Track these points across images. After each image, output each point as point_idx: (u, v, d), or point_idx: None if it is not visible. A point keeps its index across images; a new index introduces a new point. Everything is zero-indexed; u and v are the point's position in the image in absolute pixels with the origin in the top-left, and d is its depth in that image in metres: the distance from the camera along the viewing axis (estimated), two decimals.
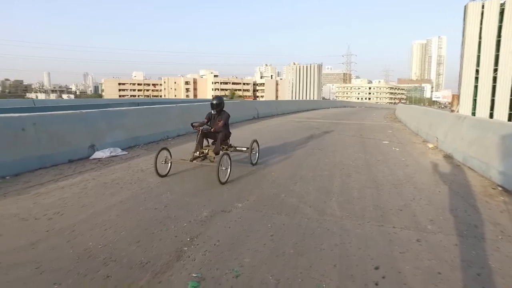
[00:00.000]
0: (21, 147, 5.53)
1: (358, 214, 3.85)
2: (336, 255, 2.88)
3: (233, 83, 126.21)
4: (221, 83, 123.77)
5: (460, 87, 51.57)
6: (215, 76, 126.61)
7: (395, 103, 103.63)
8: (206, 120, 5.88)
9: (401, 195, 4.60)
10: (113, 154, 6.86)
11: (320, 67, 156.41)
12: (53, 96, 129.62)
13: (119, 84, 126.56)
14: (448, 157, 7.23)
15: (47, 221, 3.46)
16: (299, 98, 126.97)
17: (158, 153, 5.12)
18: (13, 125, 5.57)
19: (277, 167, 6.12)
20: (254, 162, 6.14)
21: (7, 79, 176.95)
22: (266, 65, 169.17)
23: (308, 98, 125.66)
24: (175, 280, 2.44)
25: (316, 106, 32.45)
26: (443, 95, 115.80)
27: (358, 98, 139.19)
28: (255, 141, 6.29)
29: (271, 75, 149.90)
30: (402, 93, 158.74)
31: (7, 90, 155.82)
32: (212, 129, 5.57)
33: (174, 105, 12.83)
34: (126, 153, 7.18)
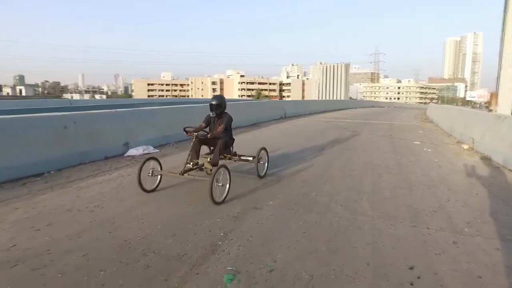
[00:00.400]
0: (63, 144, 5.86)
1: (390, 214, 3.80)
2: (369, 254, 2.87)
3: (259, 83, 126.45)
4: (247, 83, 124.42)
5: (499, 85, 49.02)
6: (241, 76, 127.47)
7: (425, 103, 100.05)
8: (203, 124, 5.02)
9: (435, 196, 4.49)
10: (145, 151, 7.12)
11: (347, 66, 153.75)
12: (86, 96, 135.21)
13: (148, 84, 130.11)
14: (485, 159, 6.94)
15: (90, 213, 3.67)
16: (325, 98, 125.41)
17: (143, 164, 4.29)
18: (57, 123, 5.91)
19: (306, 167, 6.13)
20: (261, 174, 5.19)
21: (46, 81, 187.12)
22: (293, 65, 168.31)
23: (335, 98, 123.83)
24: (211, 272, 2.52)
25: (343, 106, 31.98)
26: (478, 95, 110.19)
27: (386, 98, 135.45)
28: (263, 149, 5.35)
29: (298, 75, 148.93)
30: (433, 93, 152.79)
31: (46, 91, 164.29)
32: (209, 135, 4.74)
33: (202, 104, 13.11)
34: (158, 151, 7.43)
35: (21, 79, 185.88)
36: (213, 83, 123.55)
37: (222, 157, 5.01)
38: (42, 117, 5.96)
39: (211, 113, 4.99)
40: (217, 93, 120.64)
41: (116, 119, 7.39)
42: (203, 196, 4.30)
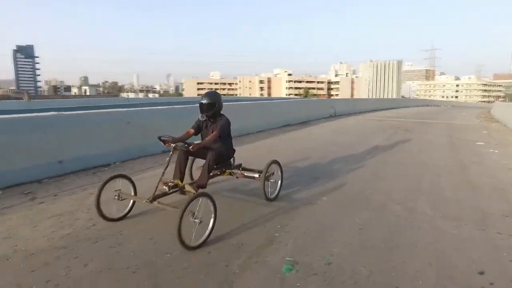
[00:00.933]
0: (126, 138, 6.31)
1: (453, 215, 3.61)
2: (431, 253, 2.76)
3: (307, 82, 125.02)
4: (294, 81, 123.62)
5: None
6: (289, 74, 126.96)
7: (489, 101, 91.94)
8: (192, 131, 3.84)
9: (505, 200, 4.16)
10: None
11: (399, 63, 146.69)
12: (141, 95, 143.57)
13: (198, 83, 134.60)
14: None
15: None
16: (376, 97, 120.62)
17: (105, 183, 3.23)
18: (120, 118, 6.39)
19: (359, 165, 6.00)
20: (271, 196, 3.95)
21: (106, 81, 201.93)
22: (341, 62, 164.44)
23: (386, 97, 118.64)
24: (270, 261, 2.60)
25: (395, 105, 30.51)
26: None
27: (443, 97, 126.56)
28: (275, 162, 4.08)
29: (346, 73, 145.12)
30: (499, 90, 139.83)
31: (106, 91, 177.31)
32: (191, 147, 3.35)
33: (253, 102, 13.34)
34: None
35: (85, 80, 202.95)
36: (261, 81, 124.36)
37: (219, 173, 3.93)
38: (108, 113, 6.48)
39: (200, 116, 3.84)
40: (265, 91, 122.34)
41: (172, 115, 7.79)
42: (258, 191, 4.39)
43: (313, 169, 5.58)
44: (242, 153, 7.05)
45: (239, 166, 4.14)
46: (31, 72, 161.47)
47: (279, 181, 4.14)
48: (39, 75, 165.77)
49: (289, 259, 2.62)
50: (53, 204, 3.78)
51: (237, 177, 4.06)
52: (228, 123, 3.83)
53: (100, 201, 3.17)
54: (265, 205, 3.81)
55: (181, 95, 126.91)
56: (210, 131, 3.77)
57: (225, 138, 3.86)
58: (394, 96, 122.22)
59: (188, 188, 3.46)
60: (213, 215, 3.00)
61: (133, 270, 2.44)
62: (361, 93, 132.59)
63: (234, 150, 4.09)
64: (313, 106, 16.75)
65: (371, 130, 11.71)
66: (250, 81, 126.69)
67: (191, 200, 2.78)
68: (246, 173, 4.03)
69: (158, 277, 2.36)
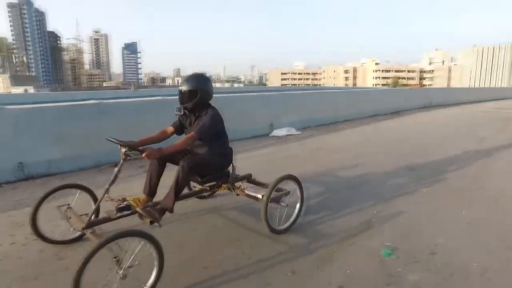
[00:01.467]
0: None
1: None
2: None
3: (396, 71, 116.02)
4: (382, 71, 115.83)
5: None
6: (376, 63, 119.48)
7: None
8: (170, 130, 2.84)
9: None
10: (289, 133, 7.55)
11: None
12: (227, 85, 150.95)
13: (281, 74, 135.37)
14: None
15: None
16: (480, 86, 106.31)
17: (47, 195, 2.42)
18: (216, 104, 6.84)
19: (462, 158, 5.46)
20: (280, 226, 2.76)
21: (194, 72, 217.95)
22: (437, 49, 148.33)
23: (493, 86, 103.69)
24: (367, 245, 2.56)
25: (505, 95, 26.55)
26: None
27: None
28: (290, 177, 2.87)
29: (442, 61, 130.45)
30: None
31: None
32: (144, 155, 2.22)
33: (338, 90, 13.01)
34: (300, 133, 7.78)
35: (178, 72, 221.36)
36: (346, 71, 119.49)
37: (207, 188, 2.83)
38: None
39: (176, 110, 2.74)
40: (350, 81, 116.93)
41: (263, 102, 8.06)
42: (351, 177, 4.31)
43: (408, 160, 5.24)
44: (329, 140, 7.02)
45: (243, 178, 3.08)
46: (134, 66, 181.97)
47: (298, 205, 2.93)
48: (140, 68, 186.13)
49: (388, 244, 2.55)
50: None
51: (237, 194, 2.94)
52: (215, 119, 2.68)
53: (37, 217, 2.38)
54: (360, 191, 3.74)
55: (265, 85, 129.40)
56: (193, 127, 2.69)
57: (211, 139, 2.71)
58: (505, 86, 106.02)
59: (141, 211, 2.34)
60: (156, 264, 1.93)
61: (235, 240, 2.64)
62: (460, 82, 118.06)
63: (229, 159, 2.93)
64: (405, 95, 15.64)
65: (475, 121, 10.46)
66: (334, 71, 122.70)
67: (111, 240, 1.76)
68: (247, 190, 2.89)
69: (256, 249, 2.52)
